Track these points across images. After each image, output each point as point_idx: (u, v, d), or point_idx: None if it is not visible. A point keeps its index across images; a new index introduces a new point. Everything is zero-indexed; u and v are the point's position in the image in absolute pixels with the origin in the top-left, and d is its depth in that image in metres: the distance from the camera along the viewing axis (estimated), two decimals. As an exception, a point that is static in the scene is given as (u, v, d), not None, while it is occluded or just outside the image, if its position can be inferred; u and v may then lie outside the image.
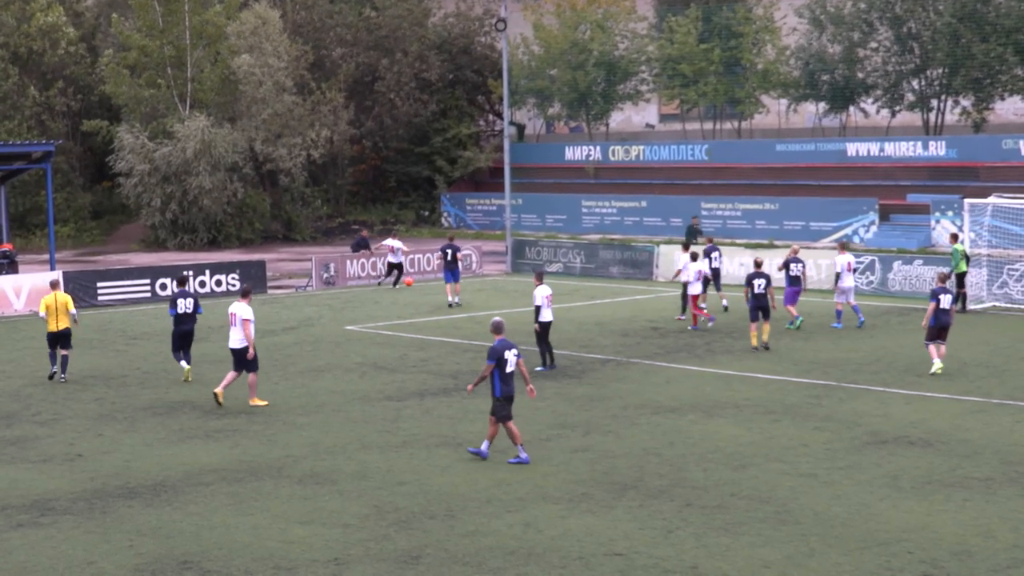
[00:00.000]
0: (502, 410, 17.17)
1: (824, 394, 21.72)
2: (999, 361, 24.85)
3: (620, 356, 26.04)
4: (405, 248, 41.32)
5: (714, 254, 33.20)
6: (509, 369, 17.11)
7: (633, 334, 29.12)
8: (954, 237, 33.03)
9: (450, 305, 34.85)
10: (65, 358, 24.43)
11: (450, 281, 35.65)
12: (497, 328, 17.57)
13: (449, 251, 36.09)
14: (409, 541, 13.83)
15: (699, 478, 16.24)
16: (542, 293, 24.20)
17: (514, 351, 17.16)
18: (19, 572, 13.09)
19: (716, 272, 33.08)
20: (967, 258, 32.27)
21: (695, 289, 29.66)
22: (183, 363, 24.05)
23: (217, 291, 38.03)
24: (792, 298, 29.64)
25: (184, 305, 23.98)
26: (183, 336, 24.11)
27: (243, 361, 21.45)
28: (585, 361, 25.48)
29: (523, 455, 17.18)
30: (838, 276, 29.93)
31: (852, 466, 16.74)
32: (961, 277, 32.28)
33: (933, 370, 23.20)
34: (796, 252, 30.71)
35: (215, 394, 21.46)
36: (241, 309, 21.38)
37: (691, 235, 40.79)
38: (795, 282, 29.64)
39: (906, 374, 23.50)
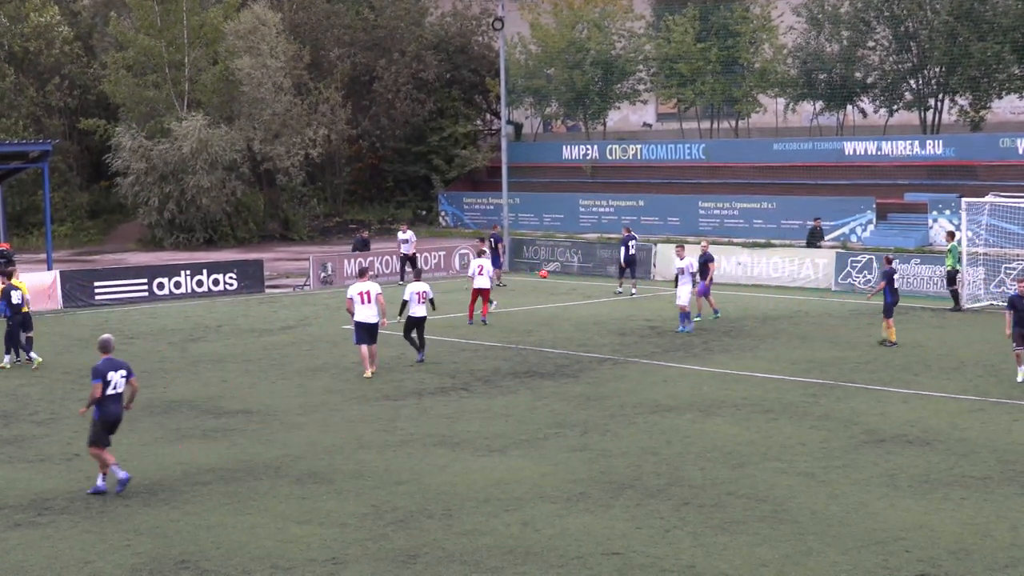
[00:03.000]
0: (98, 436, 15.91)
1: (821, 393, 21.72)
2: (996, 360, 24.83)
3: (618, 355, 26.04)
4: (414, 240, 42.23)
5: (631, 243, 37.00)
6: (115, 391, 15.97)
7: (630, 333, 29.11)
8: (951, 235, 33.13)
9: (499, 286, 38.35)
10: (29, 340, 25.99)
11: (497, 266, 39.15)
12: (104, 347, 16.32)
13: (492, 240, 40.42)
14: (407, 540, 13.82)
15: (696, 477, 16.23)
16: (413, 289, 25.39)
17: (122, 372, 16.04)
18: (16, 571, 13.07)
19: (632, 259, 37.01)
20: (959, 257, 32.38)
21: (480, 283, 31.11)
22: (32, 355, 25.65)
23: (215, 290, 38.01)
24: (706, 291, 30.61)
25: (17, 297, 25.71)
26: (19, 327, 25.88)
27: (375, 333, 23.80)
28: (583, 360, 25.47)
29: (100, 484, 15.89)
30: (680, 274, 29.22)
31: (849, 465, 16.74)
32: (953, 275, 32.38)
33: (1020, 378, 22.36)
34: (706, 248, 31.53)
35: (368, 376, 23.50)
36: (373, 287, 23.84)
37: (814, 237, 40.87)
38: (704, 276, 30.55)
39: (903, 373, 23.50)
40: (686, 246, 31.54)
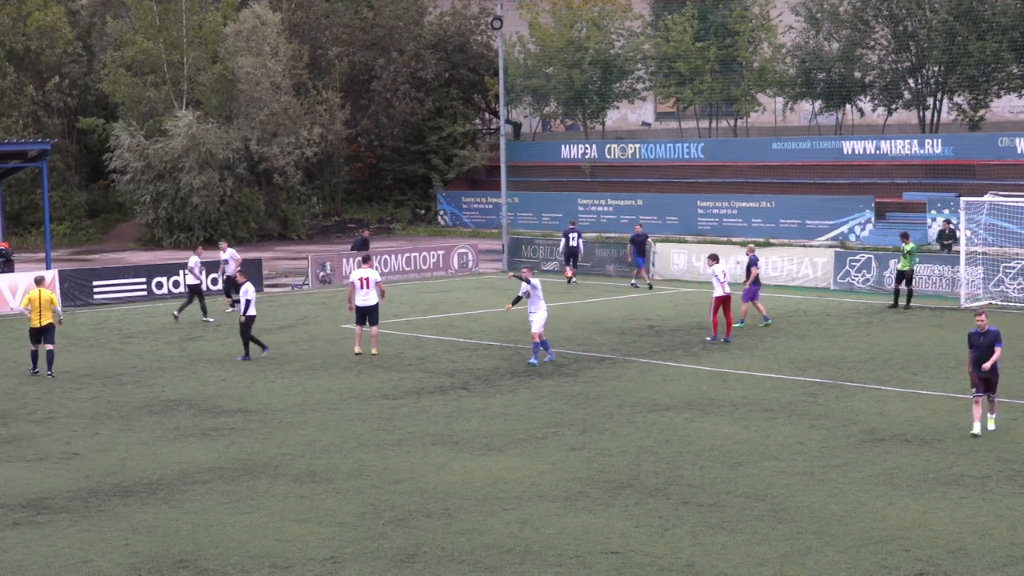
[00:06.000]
0: None
1: (820, 392, 21.73)
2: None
3: (616, 354, 26.04)
4: (237, 258, 34.80)
5: (572, 234, 40.46)
6: None
7: (629, 332, 29.11)
8: (905, 236, 33.28)
9: (634, 285, 38.50)
10: (50, 353, 24.59)
11: (640, 265, 38.98)
12: None
13: (640, 238, 39.58)
14: (405, 539, 13.83)
15: (695, 476, 16.24)
16: (252, 290, 26.20)
17: None
18: (15, 571, 13.08)
19: (574, 250, 40.28)
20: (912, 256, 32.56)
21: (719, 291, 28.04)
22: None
23: (213, 289, 37.98)
24: (756, 295, 29.71)
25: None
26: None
27: (372, 316, 25.99)
28: (582, 359, 25.47)
29: None
30: (528, 297, 25.08)
31: (848, 464, 16.74)
32: (907, 275, 32.40)
33: (976, 431, 18.27)
34: (753, 250, 30.70)
35: (357, 352, 25.84)
36: (372, 273, 26.26)
37: (943, 238, 40.71)
38: (756, 280, 29.62)
39: (902, 372, 23.50)
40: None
